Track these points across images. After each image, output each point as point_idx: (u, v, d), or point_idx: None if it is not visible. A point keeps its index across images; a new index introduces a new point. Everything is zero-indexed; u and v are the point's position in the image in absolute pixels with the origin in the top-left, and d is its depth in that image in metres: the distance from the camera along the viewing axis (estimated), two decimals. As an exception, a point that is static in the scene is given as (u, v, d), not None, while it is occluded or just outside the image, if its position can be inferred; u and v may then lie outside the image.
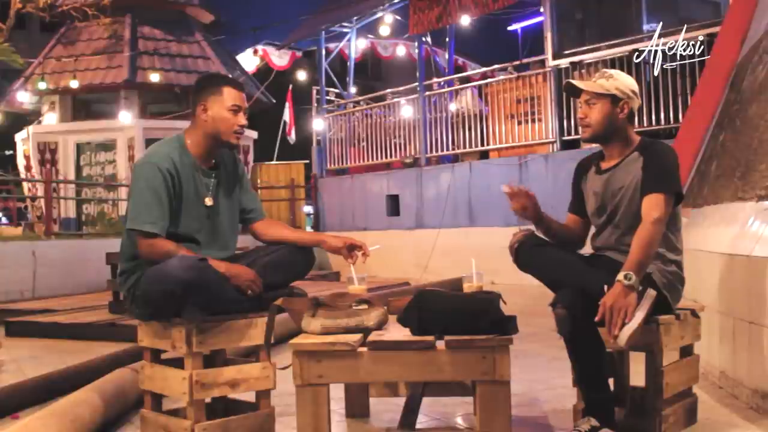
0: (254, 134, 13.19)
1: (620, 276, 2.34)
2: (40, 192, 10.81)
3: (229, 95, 2.70)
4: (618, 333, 2.29)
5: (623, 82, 2.63)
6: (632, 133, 2.69)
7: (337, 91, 12.88)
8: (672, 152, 2.62)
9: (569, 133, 8.62)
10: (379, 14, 12.31)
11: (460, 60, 14.20)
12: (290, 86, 13.94)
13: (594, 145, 2.86)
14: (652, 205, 2.47)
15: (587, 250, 2.81)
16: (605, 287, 2.36)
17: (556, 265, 2.58)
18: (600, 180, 2.71)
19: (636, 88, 2.66)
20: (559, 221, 2.84)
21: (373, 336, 2.37)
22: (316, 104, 12.35)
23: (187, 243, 2.63)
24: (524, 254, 2.61)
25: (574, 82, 2.70)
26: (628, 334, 2.29)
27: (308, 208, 13.66)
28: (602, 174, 2.71)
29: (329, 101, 12.43)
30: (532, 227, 2.76)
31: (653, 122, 7.78)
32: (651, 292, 2.38)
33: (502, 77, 9.89)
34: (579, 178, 2.84)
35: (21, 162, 12.58)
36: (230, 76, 2.94)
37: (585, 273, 2.55)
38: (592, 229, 2.83)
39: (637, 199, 2.56)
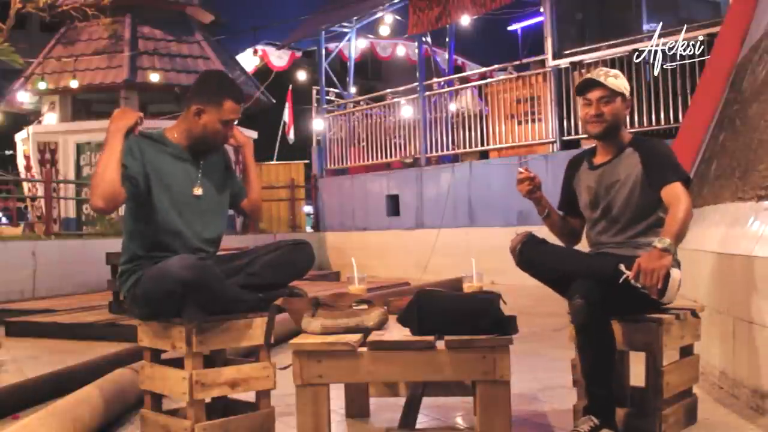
0: (254, 134, 13.19)
1: (654, 242, 2.39)
2: (40, 192, 10.81)
3: (228, 110, 2.69)
4: (656, 296, 2.35)
5: (624, 81, 2.76)
6: (625, 130, 2.81)
7: (337, 91, 12.87)
8: (666, 145, 2.80)
9: (569, 133, 8.63)
10: (379, 14, 12.32)
11: (460, 60, 14.20)
12: (290, 86, 13.94)
13: (595, 144, 2.89)
14: (677, 193, 2.53)
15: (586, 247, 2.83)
16: (622, 266, 2.39)
17: (564, 258, 2.63)
18: (593, 175, 2.78)
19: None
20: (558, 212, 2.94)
21: (373, 336, 2.37)
22: (316, 104, 12.35)
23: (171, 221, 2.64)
24: (529, 251, 2.63)
25: (596, 78, 2.73)
26: (675, 288, 2.38)
27: (308, 208, 13.66)
28: (595, 169, 2.79)
29: (329, 101, 12.43)
30: (531, 229, 2.79)
31: (653, 122, 7.78)
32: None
33: (502, 77, 9.89)
34: (570, 176, 2.93)
35: (21, 162, 12.57)
36: (233, 81, 2.93)
37: (594, 262, 2.62)
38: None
39: (637, 193, 2.64)
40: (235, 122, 2.75)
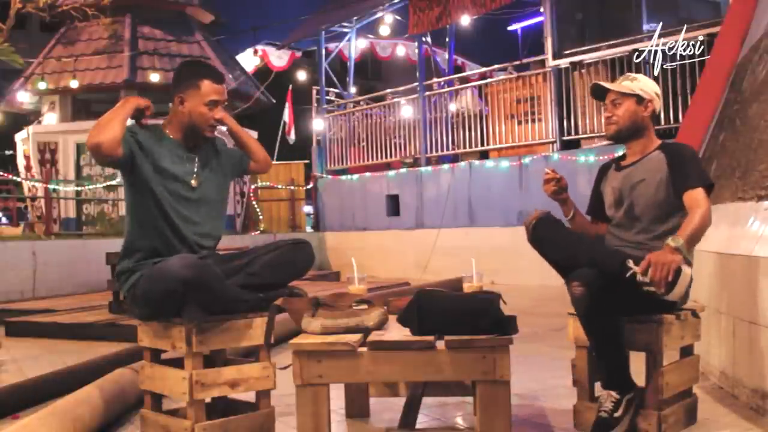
0: (254, 134, 13.18)
1: (668, 240, 2.41)
2: (40, 192, 10.81)
3: (207, 90, 2.69)
4: (664, 290, 2.34)
5: (647, 84, 2.79)
6: (653, 133, 2.83)
7: (337, 91, 12.88)
8: (693, 149, 2.82)
9: (569, 133, 8.62)
10: (379, 14, 12.32)
11: (460, 60, 14.20)
12: (290, 86, 13.94)
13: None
14: (698, 199, 2.56)
15: None
16: (630, 261, 2.40)
17: (575, 243, 2.63)
18: (619, 175, 2.83)
19: (659, 90, 2.83)
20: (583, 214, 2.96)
21: (373, 336, 2.37)
22: (316, 104, 12.35)
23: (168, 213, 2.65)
24: (542, 228, 2.64)
25: (601, 83, 2.83)
26: (685, 284, 2.36)
27: (308, 208, 13.66)
28: (622, 170, 2.83)
29: (329, 101, 12.43)
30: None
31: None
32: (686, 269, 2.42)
33: (502, 77, 9.90)
34: (599, 180, 2.96)
35: (21, 162, 12.57)
36: (210, 65, 2.94)
37: (604, 250, 2.63)
38: None
39: (661, 193, 2.67)
40: (222, 104, 2.73)
